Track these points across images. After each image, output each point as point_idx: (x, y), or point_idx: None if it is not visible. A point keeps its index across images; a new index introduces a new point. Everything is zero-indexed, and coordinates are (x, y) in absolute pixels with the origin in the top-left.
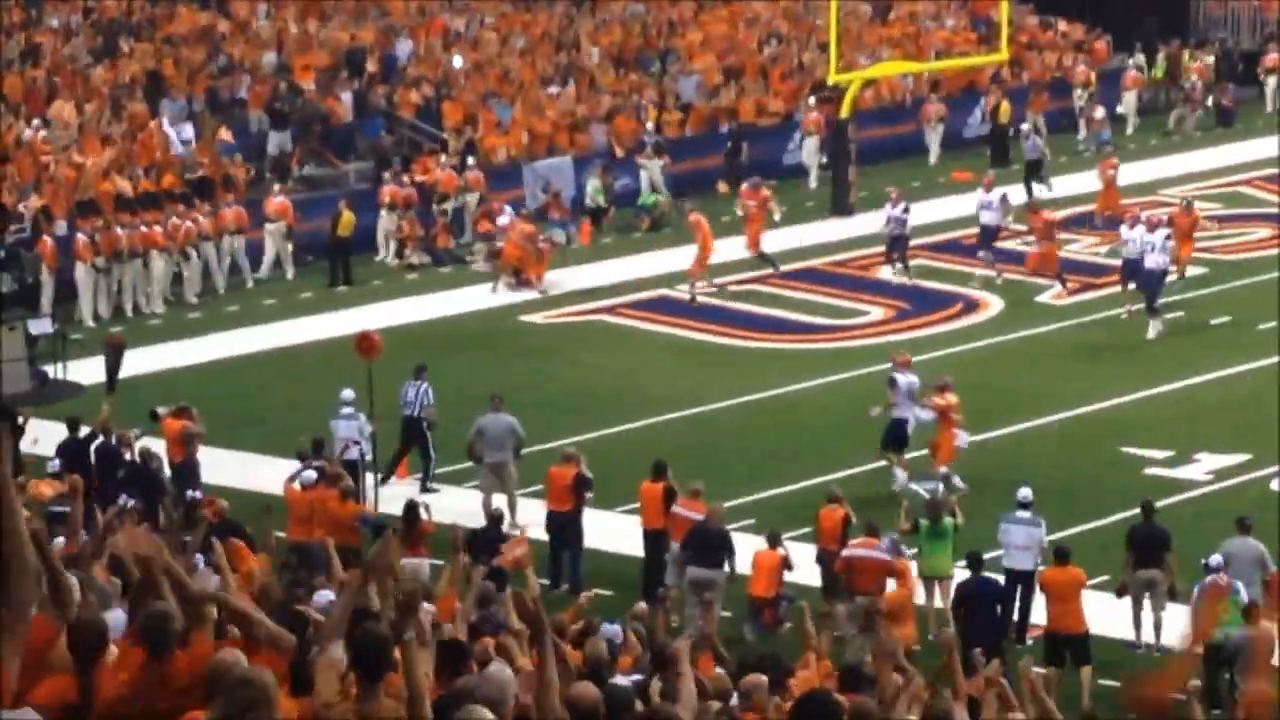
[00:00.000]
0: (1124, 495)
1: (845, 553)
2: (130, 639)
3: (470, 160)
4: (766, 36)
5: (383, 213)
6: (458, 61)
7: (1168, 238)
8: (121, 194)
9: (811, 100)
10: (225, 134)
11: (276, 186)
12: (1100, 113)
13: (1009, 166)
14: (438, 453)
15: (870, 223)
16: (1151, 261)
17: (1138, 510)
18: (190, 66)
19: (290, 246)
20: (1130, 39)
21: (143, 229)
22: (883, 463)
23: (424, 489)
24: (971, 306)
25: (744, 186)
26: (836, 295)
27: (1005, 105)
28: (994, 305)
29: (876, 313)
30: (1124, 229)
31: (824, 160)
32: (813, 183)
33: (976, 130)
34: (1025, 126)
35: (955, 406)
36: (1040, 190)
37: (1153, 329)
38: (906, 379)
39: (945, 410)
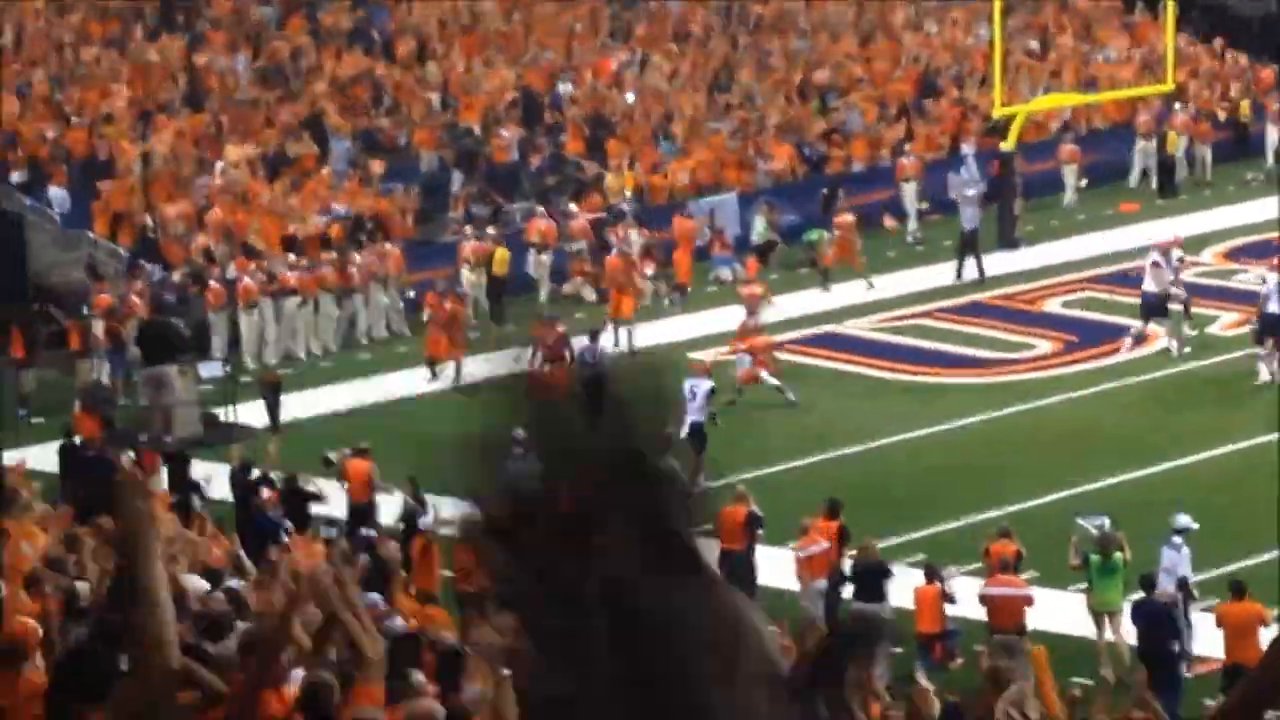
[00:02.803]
0: None
1: (982, 590)
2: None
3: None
4: (927, 71)
5: (531, 252)
6: (630, 98)
7: None
8: (289, 236)
9: (906, 145)
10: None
11: (388, 245)
12: None
13: (1177, 197)
14: None
15: (1035, 256)
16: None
17: None
18: (354, 108)
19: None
20: None
21: (310, 271)
22: (1050, 497)
23: None
24: (1139, 339)
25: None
26: (1004, 329)
27: (1172, 135)
28: (1162, 339)
29: (1044, 346)
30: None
31: (923, 205)
32: (912, 225)
33: (1142, 163)
34: (970, 192)
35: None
36: (970, 270)
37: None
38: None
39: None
